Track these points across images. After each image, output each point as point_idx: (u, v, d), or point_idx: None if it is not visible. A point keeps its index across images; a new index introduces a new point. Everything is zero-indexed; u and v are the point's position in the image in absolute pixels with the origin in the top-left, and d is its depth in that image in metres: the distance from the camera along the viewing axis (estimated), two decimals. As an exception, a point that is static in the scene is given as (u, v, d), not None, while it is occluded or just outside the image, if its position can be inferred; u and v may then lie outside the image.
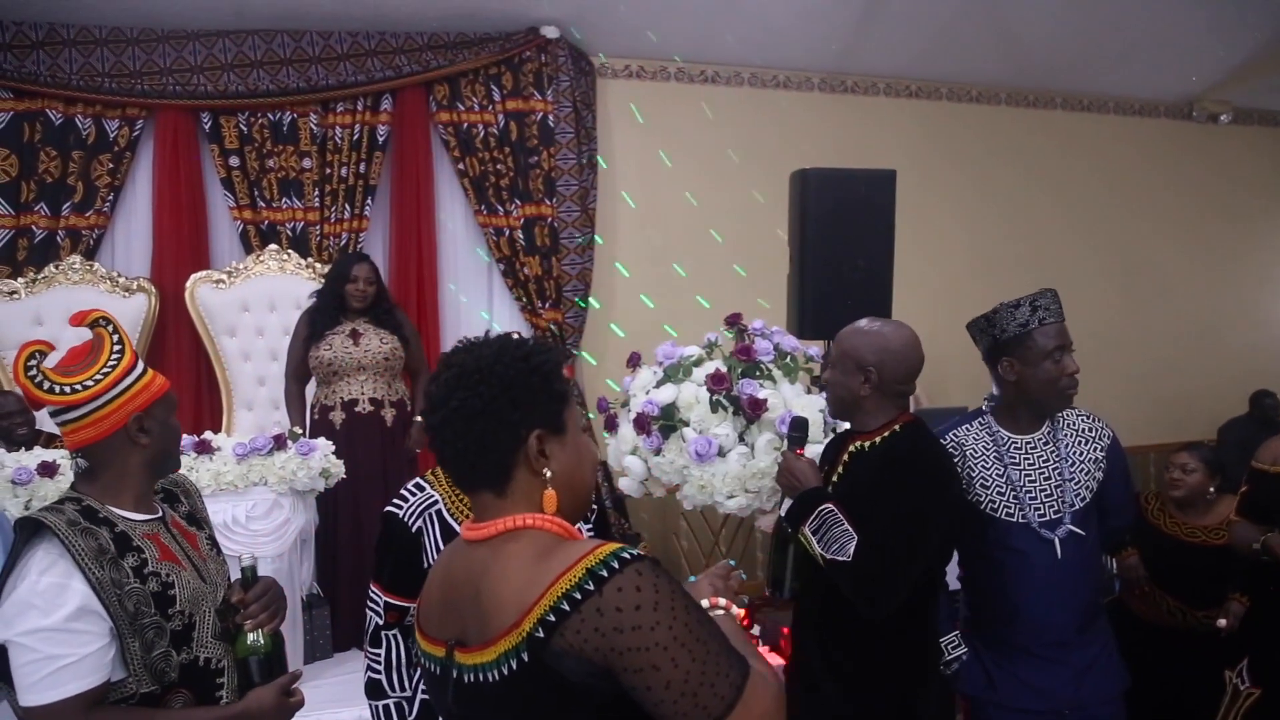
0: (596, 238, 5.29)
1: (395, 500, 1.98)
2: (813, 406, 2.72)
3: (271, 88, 4.75)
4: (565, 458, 1.21)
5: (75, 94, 4.54)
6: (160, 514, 1.76)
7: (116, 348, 1.72)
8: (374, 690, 1.96)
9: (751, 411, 2.59)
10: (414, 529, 1.91)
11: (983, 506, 2.23)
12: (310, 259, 4.74)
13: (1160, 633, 3.11)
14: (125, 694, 1.59)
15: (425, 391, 1.23)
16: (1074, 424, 2.31)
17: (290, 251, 4.73)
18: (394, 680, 1.95)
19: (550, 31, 5.10)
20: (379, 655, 1.95)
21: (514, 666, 1.08)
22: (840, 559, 1.94)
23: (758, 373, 2.75)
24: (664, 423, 2.67)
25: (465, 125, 5.05)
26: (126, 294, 4.51)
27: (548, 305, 5.14)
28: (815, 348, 3.00)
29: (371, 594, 1.97)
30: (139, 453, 1.69)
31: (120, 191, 4.68)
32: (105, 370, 1.67)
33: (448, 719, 1.23)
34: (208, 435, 3.41)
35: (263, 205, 4.81)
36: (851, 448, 2.12)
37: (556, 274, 5.15)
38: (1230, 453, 4.91)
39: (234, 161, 4.76)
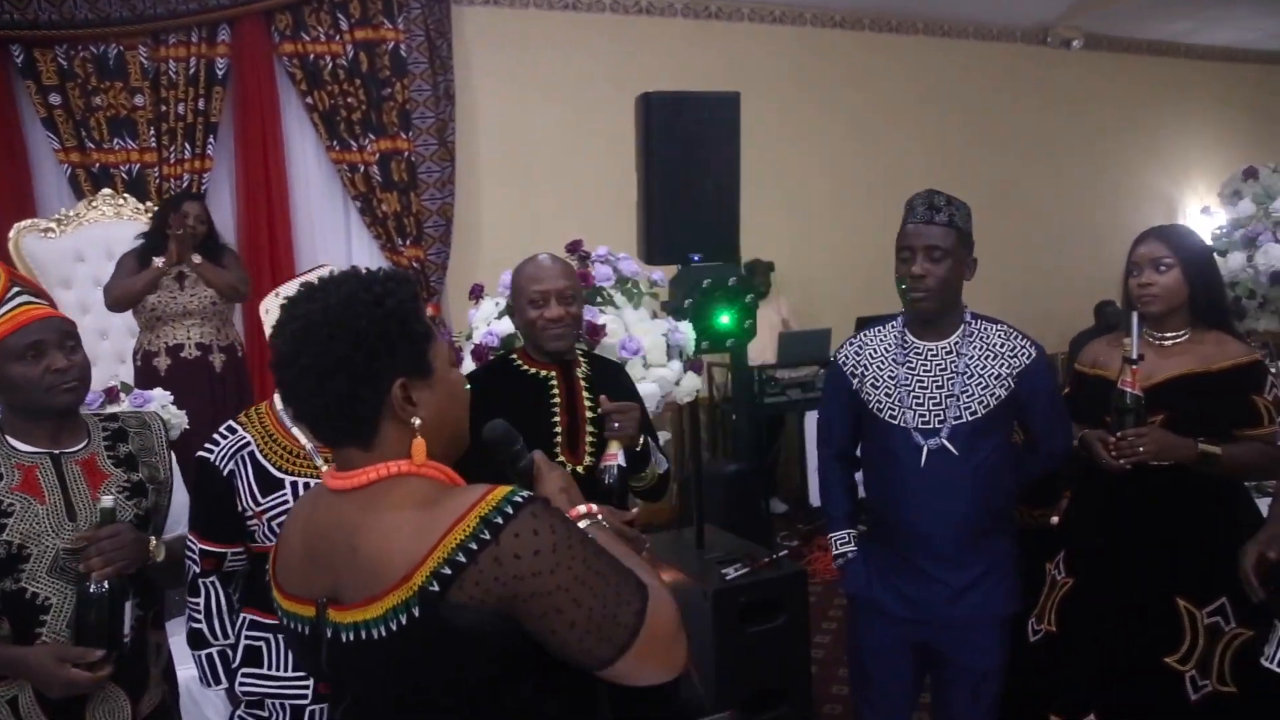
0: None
1: (207, 444, 1.90)
2: (655, 330, 2.72)
3: (91, 17, 4.41)
4: (435, 400, 1.14)
5: None
6: (71, 449, 1.72)
7: None
8: (196, 639, 1.90)
9: (590, 338, 2.58)
10: (226, 472, 1.84)
11: (870, 405, 2.26)
12: (149, 203, 4.47)
13: (1043, 536, 3.24)
14: None
15: (271, 343, 1.13)
16: (988, 338, 2.28)
17: (126, 196, 4.45)
18: (215, 628, 1.89)
19: (396, -44, 4.88)
20: (198, 604, 1.89)
21: (403, 622, 1.02)
22: None
23: (599, 299, 2.73)
24: (503, 353, 2.63)
25: (311, 56, 4.82)
26: (-57, 246, 4.20)
27: (408, 242, 5.00)
28: (659, 272, 2.99)
29: (188, 542, 1.90)
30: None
31: (-73, 135, 4.32)
32: None
33: (319, 678, 1.19)
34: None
35: (92, 147, 4.51)
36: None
37: (416, 210, 5.01)
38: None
39: (55, 99, 4.43)
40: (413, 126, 4.98)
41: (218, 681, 1.89)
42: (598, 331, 2.58)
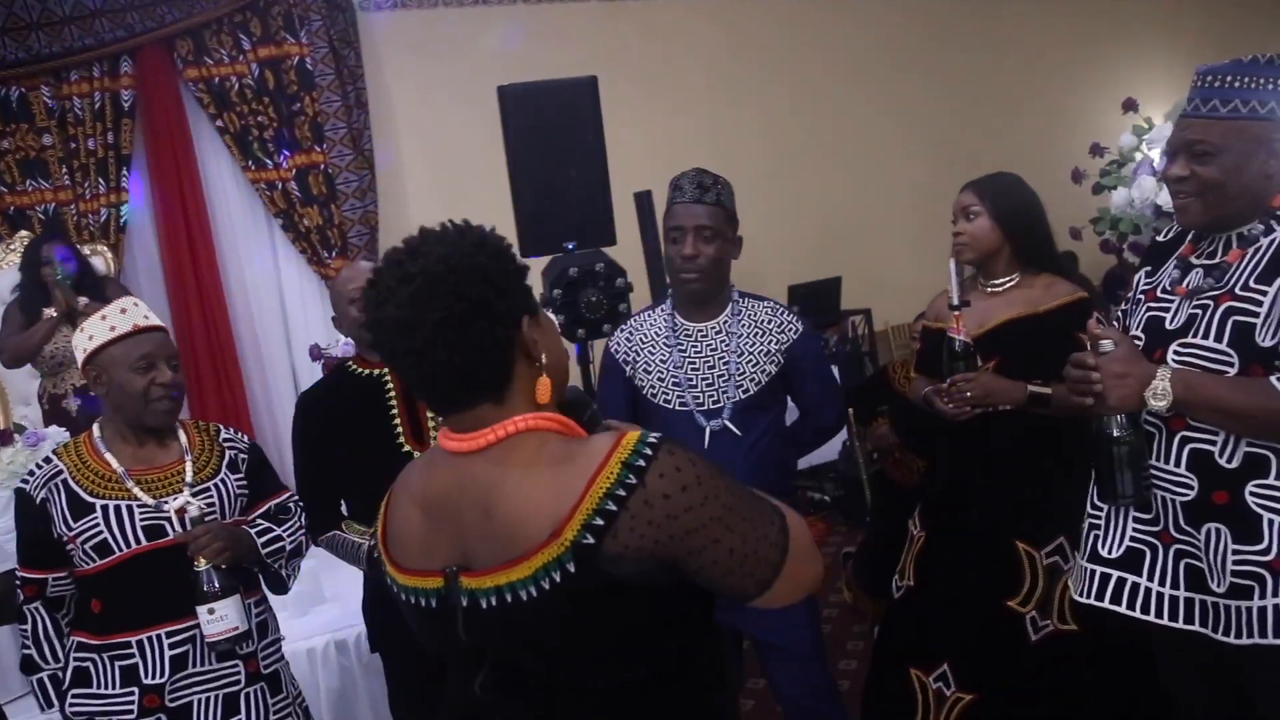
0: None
1: (24, 477, 1.96)
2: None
3: (-12, 63, 4.47)
4: (546, 336, 1.14)
5: None
6: None
7: None
8: (28, 665, 1.97)
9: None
10: (39, 500, 1.90)
11: (645, 392, 2.27)
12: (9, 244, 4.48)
13: (919, 495, 3.26)
14: None
15: (376, 320, 1.07)
16: (756, 315, 2.31)
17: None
18: (44, 653, 1.95)
19: (291, -30, 4.89)
20: (27, 630, 1.95)
21: (555, 579, 1.01)
22: None
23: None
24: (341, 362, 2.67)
25: (217, 79, 4.84)
26: None
27: (334, 254, 5.04)
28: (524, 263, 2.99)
29: (15, 573, 1.96)
30: None
31: None
32: None
33: (445, 651, 1.17)
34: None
35: (4, 190, 4.56)
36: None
37: (338, 221, 5.04)
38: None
39: (-37, 147, 4.50)
40: (326, 138, 5.00)
41: (50, 705, 1.96)
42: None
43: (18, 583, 1.95)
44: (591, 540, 1.01)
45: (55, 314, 3.62)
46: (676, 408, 2.27)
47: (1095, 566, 1.78)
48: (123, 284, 4.13)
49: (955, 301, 2.23)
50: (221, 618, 1.85)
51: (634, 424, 1.24)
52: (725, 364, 2.25)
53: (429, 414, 2.21)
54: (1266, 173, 1.61)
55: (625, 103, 5.72)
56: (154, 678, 1.88)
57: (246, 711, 1.96)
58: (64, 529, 1.88)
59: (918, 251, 5.74)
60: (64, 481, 1.90)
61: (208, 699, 1.92)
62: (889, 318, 6.31)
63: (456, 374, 1.06)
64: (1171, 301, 1.72)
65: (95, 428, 1.99)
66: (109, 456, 1.93)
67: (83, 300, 3.67)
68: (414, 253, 1.07)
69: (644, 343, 2.31)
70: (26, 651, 1.95)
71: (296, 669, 3.01)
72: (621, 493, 1.01)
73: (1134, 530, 1.73)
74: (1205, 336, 1.63)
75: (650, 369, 2.28)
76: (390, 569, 1.17)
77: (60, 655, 1.95)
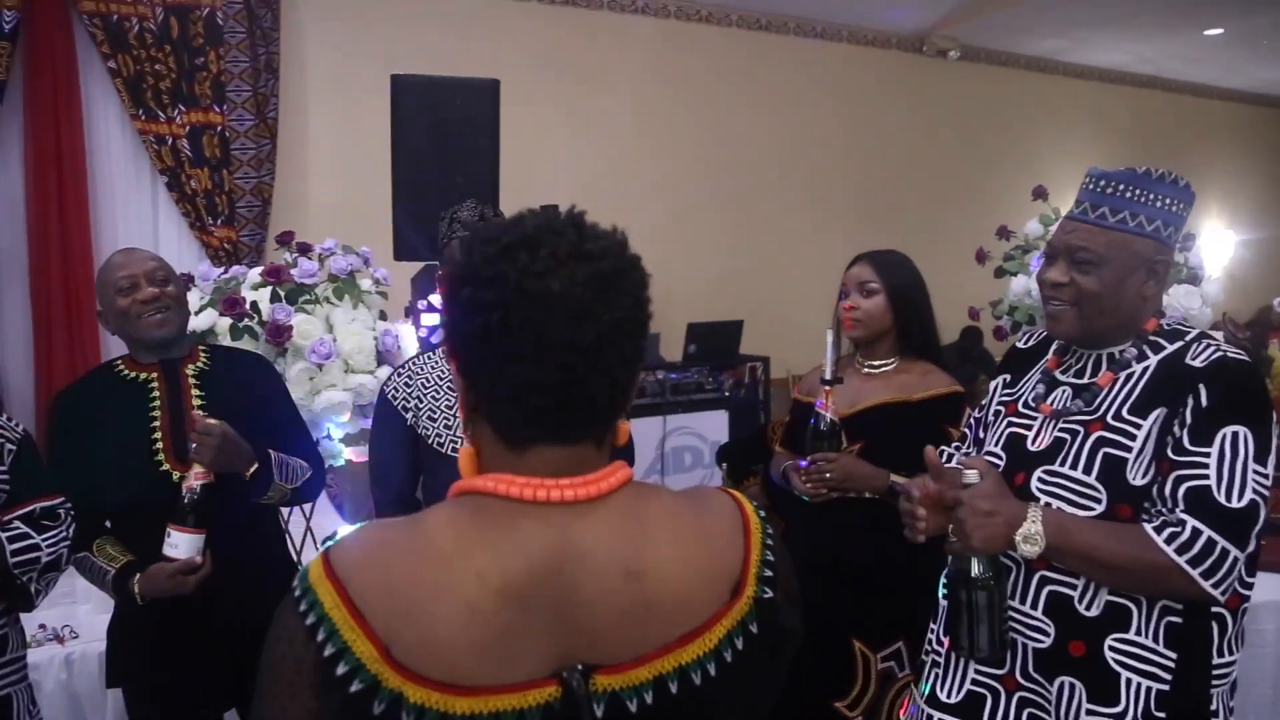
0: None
1: None
2: (363, 333, 2.54)
3: None
4: None
5: None
6: None
7: None
8: None
9: (272, 338, 2.39)
10: None
11: (431, 441, 2.04)
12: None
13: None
14: None
15: (522, 290, 0.80)
16: None
17: (-107, 156, 4.14)
18: None
19: (213, -84, 4.61)
20: None
21: (740, 646, 0.85)
22: None
23: (305, 297, 2.54)
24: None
25: (115, 17, 4.52)
26: None
27: (219, 222, 4.74)
28: (383, 270, 2.79)
29: None
30: None
31: None
32: None
33: None
34: None
35: None
36: None
37: (229, 188, 4.75)
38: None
39: None
40: (228, 99, 4.72)
41: None
42: (282, 332, 2.39)
43: None
44: (769, 594, 0.89)
45: None
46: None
47: (932, 711, 1.64)
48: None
49: (828, 376, 2.13)
50: (-64, 635, 1.61)
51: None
52: None
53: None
54: (1144, 294, 1.52)
55: (546, 110, 5.60)
56: None
57: (-36, 741, 1.72)
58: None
59: (824, 304, 5.69)
60: None
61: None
62: (791, 366, 6.27)
63: (611, 388, 0.84)
64: (1034, 419, 1.60)
65: None
66: None
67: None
68: (581, 231, 0.84)
69: (425, 387, 2.07)
70: None
71: (84, 675, 2.77)
72: (770, 541, 0.92)
73: (976, 673, 1.60)
74: (1074, 466, 1.49)
75: (435, 416, 2.04)
76: (434, 697, 0.78)
77: None
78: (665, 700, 0.82)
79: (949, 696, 1.62)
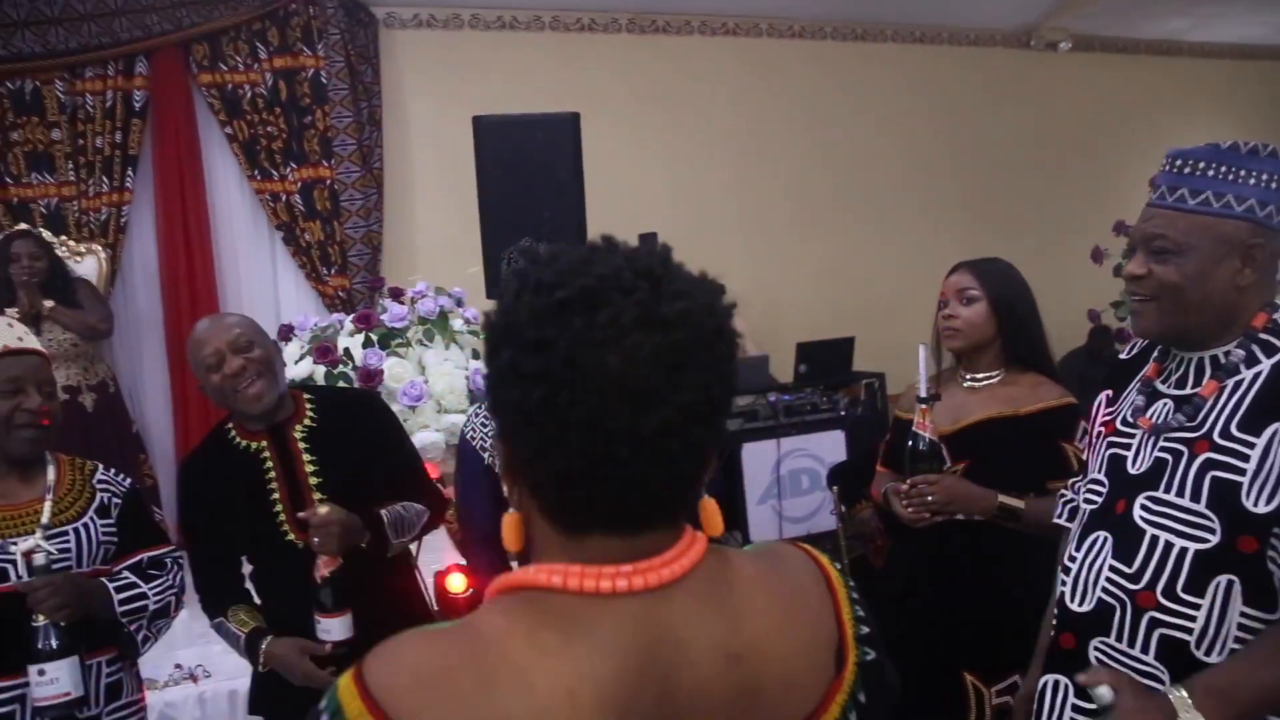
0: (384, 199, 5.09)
1: None
2: (455, 373, 2.58)
3: (4, 53, 4.46)
4: None
5: None
6: None
7: None
8: None
9: (364, 383, 2.45)
10: None
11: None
12: (65, 237, 4.50)
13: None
14: None
15: (572, 360, 0.67)
16: None
17: (44, 230, 4.48)
18: None
19: (316, -18, 4.85)
20: None
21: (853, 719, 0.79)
22: None
23: (396, 341, 2.60)
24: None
25: (230, 86, 4.81)
26: None
27: (333, 271, 4.95)
28: (474, 310, 2.85)
29: None
30: None
31: None
32: None
33: None
34: None
35: (11, 182, 4.55)
36: None
37: (340, 238, 4.96)
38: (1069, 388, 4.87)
39: (-28, 137, 4.50)
40: (334, 153, 4.93)
41: None
42: (373, 376, 2.45)
43: None
44: (871, 655, 0.82)
45: (18, 314, 3.55)
46: None
47: None
48: (93, 286, 4.05)
49: (923, 394, 2.04)
50: (52, 681, 1.70)
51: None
52: None
53: (316, 499, 1.96)
54: (1239, 283, 1.35)
55: (641, 138, 5.63)
56: (-21, 734, 1.74)
57: (81, 781, 1.80)
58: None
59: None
60: None
61: (37, 764, 1.77)
62: (907, 381, 6.05)
63: (674, 480, 0.72)
64: (1133, 436, 1.44)
65: None
66: None
67: (48, 303, 3.60)
68: (657, 287, 0.68)
69: None
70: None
71: (216, 712, 2.90)
72: (855, 595, 0.85)
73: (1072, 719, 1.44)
74: (1180, 493, 1.33)
75: None
76: None
77: None
78: None
79: None
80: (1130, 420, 1.47)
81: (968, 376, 2.15)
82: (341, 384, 2.50)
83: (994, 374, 2.12)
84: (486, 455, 2.06)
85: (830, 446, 4.87)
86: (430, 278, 5.16)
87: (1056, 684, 1.45)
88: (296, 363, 2.61)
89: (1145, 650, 1.34)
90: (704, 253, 3.90)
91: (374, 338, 2.58)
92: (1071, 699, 1.42)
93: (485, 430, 2.09)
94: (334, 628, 1.84)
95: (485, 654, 0.69)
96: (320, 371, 2.54)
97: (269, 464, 1.99)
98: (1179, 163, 1.38)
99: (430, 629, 0.74)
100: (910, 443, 2.04)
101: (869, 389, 5.52)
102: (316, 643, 1.87)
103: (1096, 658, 1.39)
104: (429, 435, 2.48)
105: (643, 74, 5.70)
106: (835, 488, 3.46)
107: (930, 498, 1.99)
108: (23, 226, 4.20)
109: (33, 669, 1.69)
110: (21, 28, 4.50)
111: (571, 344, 0.66)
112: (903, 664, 2.03)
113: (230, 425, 2.05)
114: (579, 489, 0.70)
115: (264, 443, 2.00)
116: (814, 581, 0.83)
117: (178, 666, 2.89)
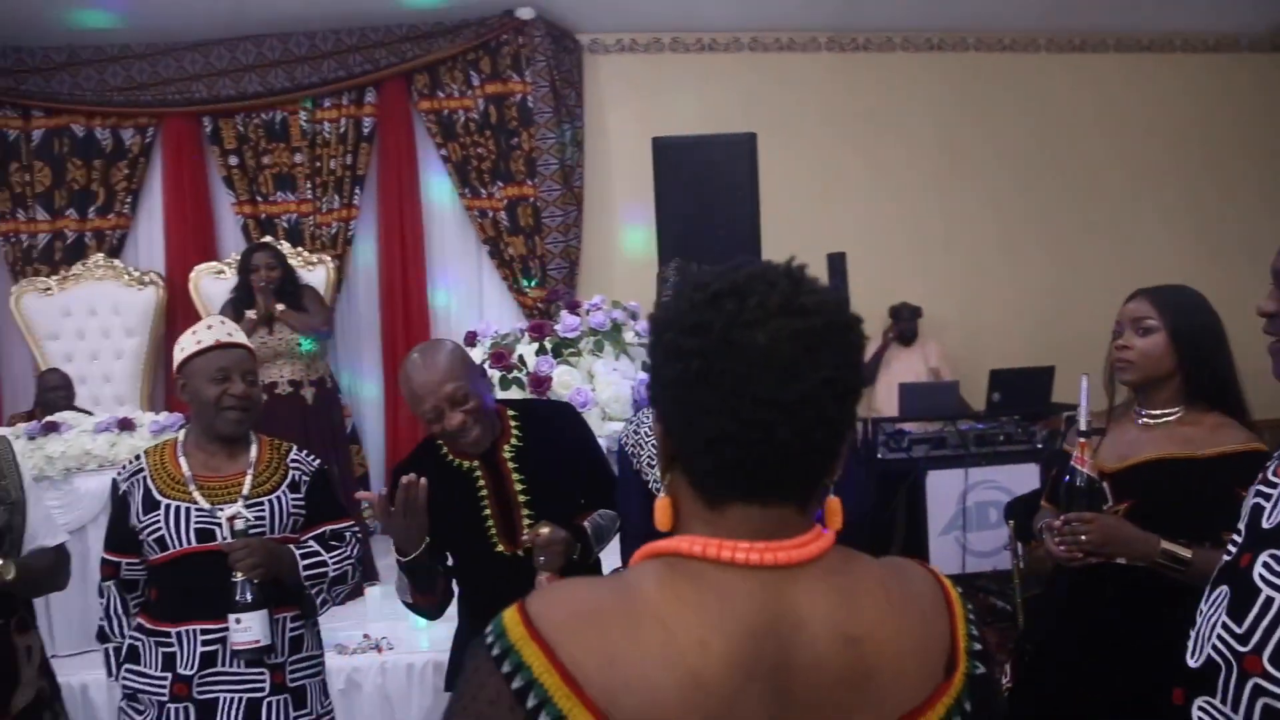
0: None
1: (118, 470, 2.17)
2: (621, 383, 2.69)
3: (261, 89, 5.09)
4: None
5: (94, 108, 5.05)
6: None
7: None
8: (101, 635, 2.16)
9: (534, 388, 2.61)
10: (122, 492, 2.09)
11: (650, 485, 2.09)
12: (301, 248, 5.04)
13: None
14: None
15: (727, 341, 0.77)
16: None
17: (284, 242, 5.05)
18: (113, 627, 2.14)
19: (525, 13, 5.17)
20: (103, 604, 2.15)
21: None
22: None
23: (568, 349, 2.75)
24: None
25: (446, 112, 5.23)
26: (140, 286, 4.98)
27: (533, 284, 5.26)
28: (642, 322, 2.95)
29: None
30: None
31: (138, 194, 5.16)
32: None
33: None
34: (128, 413, 3.72)
35: (260, 200, 5.17)
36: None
37: (540, 252, 5.25)
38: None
39: (233, 161, 5.14)
40: (538, 173, 5.23)
41: (109, 674, 2.14)
42: (542, 383, 2.61)
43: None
44: (981, 669, 0.85)
45: (255, 316, 4.02)
46: None
47: None
48: (318, 292, 4.50)
49: (1083, 427, 1.94)
50: (246, 629, 1.94)
51: None
52: None
53: (524, 514, 2.10)
54: None
55: (837, 157, 5.59)
56: (186, 669, 2.00)
57: (267, 719, 2.04)
58: (137, 520, 2.05)
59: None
60: (144, 478, 2.08)
61: (232, 699, 2.02)
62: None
63: (810, 451, 0.80)
64: (1275, 489, 1.31)
65: (181, 433, 2.17)
66: (183, 461, 2.09)
67: (280, 306, 4.05)
68: (797, 284, 0.80)
69: (647, 436, 2.14)
70: (101, 623, 2.15)
71: (395, 680, 3.17)
72: (972, 617, 0.88)
73: None
74: None
75: (655, 464, 2.09)
76: None
77: (126, 632, 2.13)
78: None
79: None
80: (1275, 473, 1.34)
81: (1143, 412, 2.01)
82: (515, 389, 2.68)
83: (1172, 411, 1.96)
84: (635, 462, 2.15)
85: (1023, 480, 4.61)
86: (624, 292, 5.41)
87: None
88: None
89: (1247, 718, 1.22)
90: (896, 274, 3.92)
91: (547, 346, 2.75)
92: None
93: (637, 438, 2.18)
94: None
95: (633, 601, 0.80)
96: (496, 375, 2.73)
97: (481, 484, 2.13)
98: None
99: (587, 578, 0.88)
100: (1065, 479, 1.94)
101: (1070, 422, 5.19)
102: None
103: (1199, 718, 1.29)
104: (592, 440, 2.61)
105: (841, 93, 5.67)
106: (1012, 521, 3.30)
107: (1084, 536, 1.88)
108: (265, 240, 4.75)
109: (231, 617, 1.94)
110: (275, 67, 5.11)
111: (725, 325, 0.78)
112: (1043, 709, 1.94)
113: (440, 440, 2.17)
114: (727, 453, 0.79)
115: (476, 463, 2.14)
116: (932, 591, 0.87)
117: (366, 636, 3.18)
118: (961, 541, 4.38)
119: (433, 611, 2.19)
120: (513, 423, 2.18)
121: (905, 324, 5.43)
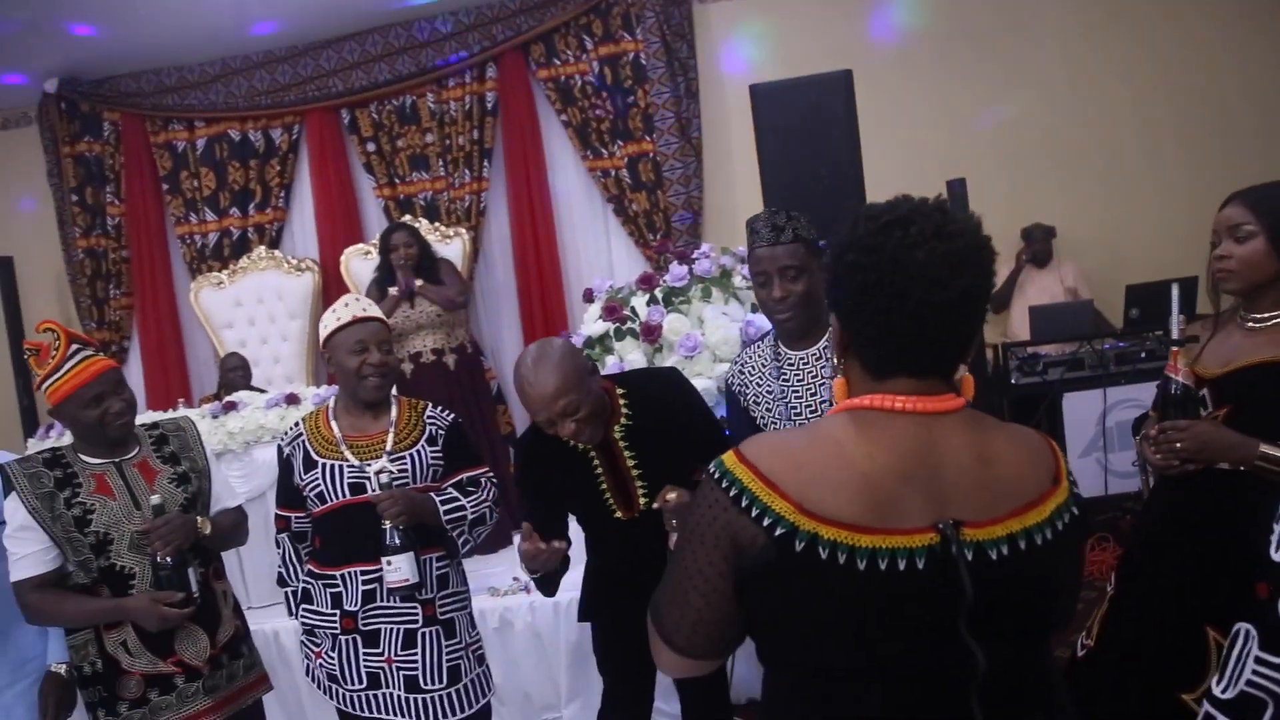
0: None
1: (281, 436, 2.47)
2: (729, 325, 2.80)
3: (390, 77, 5.40)
4: None
5: (245, 113, 5.51)
6: (126, 456, 2.31)
7: (53, 353, 2.24)
8: (280, 580, 2.48)
9: (646, 337, 2.74)
10: (286, 455, 2.39)
11: (758, 421, 2.20)
12: (437, 223, 5.36)
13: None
14: (72, 584, 2.21)
15: (894, 259, 1.05)
16: None
17: (422, 219, 5.38)
18: (288, 573, 2.45)
19: (632, -29, 5.25)
20: (279, 554, 2.47)
21: (1066, 520, 1.11)
22: None
23: (678, 298, 2.87)
24: (597, 352, 2.89)
25: (563, 78, 5.39)
26: (298, 273, 5.44)
27: (658, 236, 5.39)
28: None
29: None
30: (71, 428, 2.27)
31: (290, 188, 5.61)
32: (40, 373, 2.23)
33: (946, 607, 1.04)
34: (295, 389, 4.09)
35: (398, 181, 5.52)
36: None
37: (664, 205, 5.37)
38: None
39: (371, 147, 5.50)
40: (655, 128, 5.34)
41: (290, 614, 2.46)
42: (653, 331, 2.74)
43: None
44: (1078, 489, 1.16)
45: (397, 293, 4.34)
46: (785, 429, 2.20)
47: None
48: (453, 265, 4.78)
49: (1175, 335, 1.93)
50: (396, 569, 2.20)
51: None
52: (823, 389, 2.14)
53: (638, 485, 2.25)
54: None
55: (960, 81, 5.42)
56: (351, 605, 2.29)
57: (422, 647, 2.30)
58: (299, 479, 2.34)
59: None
60: (303, 442, 2.37)
61: (392, 630, 2.29)
62: None
63: (959, 340, 1.10)
64: None
65: (331, 400, 2.44)
66: (334, 424, 2.36)
67: (418, 281, 4.35)
68: (944, 215, 1.08)
69: (752, 374, 2.26)
70: (279, 570, 2.47)
71: (543, 618, 3.42)
72: (1073, 478, 1.18)
73: (1255, 671, 1.33)
74: None
75: (760, 400, 2.23)
76: (843, 534, 1.03)
77: (299, 577, 2.43)
78: (1015, 554, 1.06)
79: (1223, 692, 1.41)
80: None
81: (1249, 316, 1.97)
82: (629, 339, 2.84)
83: (1276, 314, 1.93)
84: (741, 399, 2.28)
85: (1169, 396, 4.44)
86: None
87: (1247, 633, 1.38)
88: (593, 321, 2.99)
89: None
90: (1028, 193, 3.83)
91: (658, 296, 2.88)
92: (1256, 650, 1.35)
93: (742, 377, 2.30)
94: None
95: (819, 435, 1.13)
96: (610, 328, 2.89)
97: (597, 464, 2.28)
98: None
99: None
100: (1161, 387, 1.94)
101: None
102: None
103: None
104: (703, 383, 2.73)
105: (963, 12, 5.47)
106: (1138, 437, 3.21)
107: (1179, 444, 1.89)
108: (401, 220, 5.08)
109: (384, 560, 2.20)
110: (401, 54, 5.41)
111: (894, 247, 1.06)
112: (1146, 615, 1.97)
113: None
114: (892, 342, 1.08)
115: (591, 448, 2.28)
116: (1040, 439, 1.17)
117: (515, 579, 3.44)
118: (1103, 463, 4.26)
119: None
120: (621, 402, 2.28)
121: (1039, 245, 5.24)
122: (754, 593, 1.08)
